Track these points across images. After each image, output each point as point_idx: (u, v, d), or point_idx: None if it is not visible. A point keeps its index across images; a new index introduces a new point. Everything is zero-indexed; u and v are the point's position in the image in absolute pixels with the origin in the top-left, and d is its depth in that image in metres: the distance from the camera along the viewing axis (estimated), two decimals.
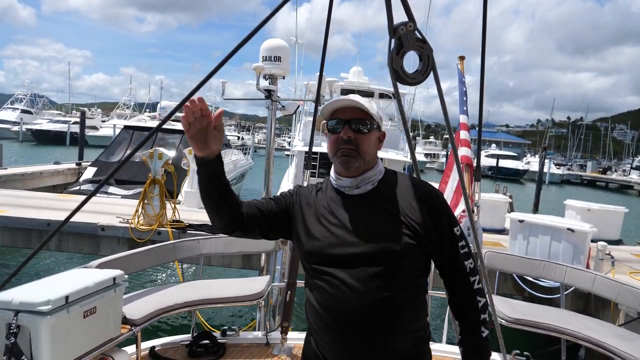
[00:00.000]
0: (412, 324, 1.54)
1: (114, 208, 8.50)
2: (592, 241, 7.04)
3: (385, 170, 1.65)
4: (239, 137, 59.57)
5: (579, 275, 4.09)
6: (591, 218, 9.18)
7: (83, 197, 1.85)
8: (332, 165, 1.64)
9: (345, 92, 15.70)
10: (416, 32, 1.45)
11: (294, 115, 15.00)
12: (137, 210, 7.21)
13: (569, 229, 6.82)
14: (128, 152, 12.81)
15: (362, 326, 1.47)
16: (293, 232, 1.66)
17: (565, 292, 4.33)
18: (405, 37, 1.43)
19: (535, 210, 20.05)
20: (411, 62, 1.59)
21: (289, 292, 3.76)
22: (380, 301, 1.46)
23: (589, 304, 6.48)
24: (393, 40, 1.45)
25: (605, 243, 6.95)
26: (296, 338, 3.98)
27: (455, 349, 3.53)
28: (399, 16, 1.54)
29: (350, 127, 1.54)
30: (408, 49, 1.46)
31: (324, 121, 1.61)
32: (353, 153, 1.54)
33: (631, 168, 61.81)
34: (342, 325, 1.48)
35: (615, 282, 3.89)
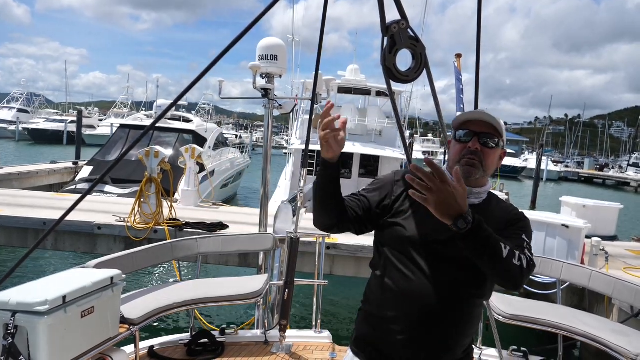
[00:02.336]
0: (472, 327, 1.67)
1: (110, 207, 8.48)
2: (587, 237, 7.08)
3: (488, 192, 1.72)
4: (237, 136, 59.49)
5: (576, 271, 4.11)
6: (586, 214, 9.22)
7: (79, 196, 1.86)
8: (448, 169, 1.66)
9: (342, 90, 15.69)
10: (409, 30, 1.46)
11: (292, 113, 15.01)
12: (133, 209, 7.20)
13: (563, 225, 6.86)
14: (124, 150, 12.80)
15: (438, 319, 1.56)
16: (388, 216, 1.68)
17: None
18: (398, 36, 1.44)
19: (533, 207, 20.13)
20: (408, 60, 1.61)
21: (287, 290, 3.78)
22: (459, 300, 1.59)
23: (584, 299, 6.51)
24: (386, 39, 1.46)
25: (599, 239, 6.99)
26: (294, 336, 4.00)
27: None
28: (393, 15, 1.55)
29: (479, 140, 1.61)
30: (401, 47, 1.46)
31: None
32: (477, 164, 1.61)
33: (628, 165, 61.95)
34: (420, 313, 1.56)
35: (611, 277, 3.92)
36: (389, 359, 1.61)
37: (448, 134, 1.72)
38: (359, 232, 1.73)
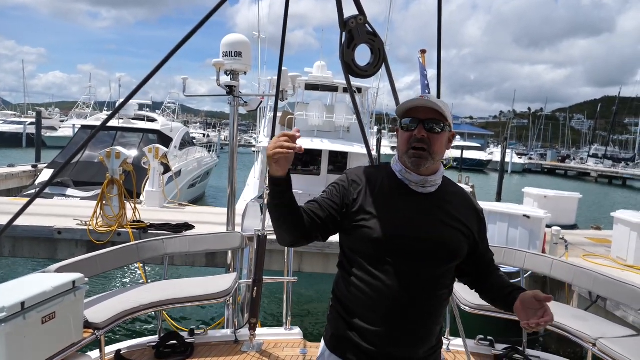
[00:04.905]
0: (442, 315, 1.70)
1: (72, 210, 8.26)
2: (548, 226, 7.30)
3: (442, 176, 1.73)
4: (204, 135, 58.76)
5: (538, 260, 4.23)
6: (547, 204, 9.51)
7: (39, 201, 1.80)
8: (399, 158, 1.68)
9: (309, 87, 15.67)
10: (367, 25, 1.46)
11: (259, 110, 14.90)
12: (95, 212, 7.03)
13: (525, 215, 7.07)
14: (86, 152, 12.47)
15: (413, 313, 1.58)
16: (350, 219, 1.64)
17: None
18: (356, 31, 1.44)
19: (499, 198, 20.55)
20: (369, 55, 1.61)
21: (255, 288, 3.76)
22: (434, 295, 1.62)
23: (545, 286, 6.72)
24: (344, 34, 1.46)
25: (559, 228, 7.23)
26: (265, 334, 3.99)
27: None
28: (353, 11, 1.55)
29: (424, 126, 1.59)
30: (359, 42, 1.47)
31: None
32: (424, 154, 1.59)
33: (588, 156, 64.05)
34: (395, 309, 1.57)
35: (571, 265, 4.03)
36: (368, 355, 1.61)
37: (388, 126, 1.72)
38: (325, 238, 1.69)
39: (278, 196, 1.53)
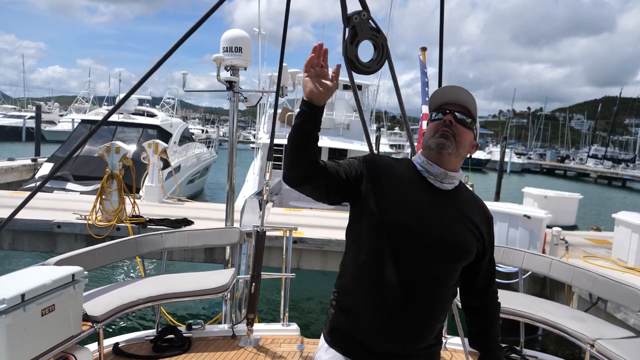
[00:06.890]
0: (445, 314, 1.70)
1: (71, 205, 8.26)
2: (548, 227, 7.31)
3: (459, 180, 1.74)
4: (203, 131, 58.74)
5: (537, 260, 4.23)
6: (548, 205, 9.53)
7: (38, 194, 1.80)
8: (423, 147, 1.67)
9: None
10: (370, 21, 1.46)
11: (258, 107, 14.88)
12: (94, 206, 7.03)
13: (525, 215, 7.06)
14: (86, 146, 12.46)
15: (416, 309, 1.57)
16: (366, 200, 1.61)
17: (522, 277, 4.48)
18: (360, 26, 1.44)
19: (497, 198, 20.58)
20: (371, 52, 1.61)
21: (253, 283, 3.76)
22: (437, 291, 1.61)
23: (545, 287, 6.73)
24: (347, 30, 1.46)
25: (559, 228, 7.23)
26: (262, 329, 4.00)
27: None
28: (355, 6, 1.55)
29: (454, 116, 1.61)
30: (362, 38, 1.46)
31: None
32: (450, 137, 1.59)
33: (588, 157, 64.10)
34: (398, 303, 1.56)
35: (570, 265, 4.04)
36: (366, 348, 1.61)
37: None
38: (328, 196, 1.62)
39: (301, 117, 1.52)
